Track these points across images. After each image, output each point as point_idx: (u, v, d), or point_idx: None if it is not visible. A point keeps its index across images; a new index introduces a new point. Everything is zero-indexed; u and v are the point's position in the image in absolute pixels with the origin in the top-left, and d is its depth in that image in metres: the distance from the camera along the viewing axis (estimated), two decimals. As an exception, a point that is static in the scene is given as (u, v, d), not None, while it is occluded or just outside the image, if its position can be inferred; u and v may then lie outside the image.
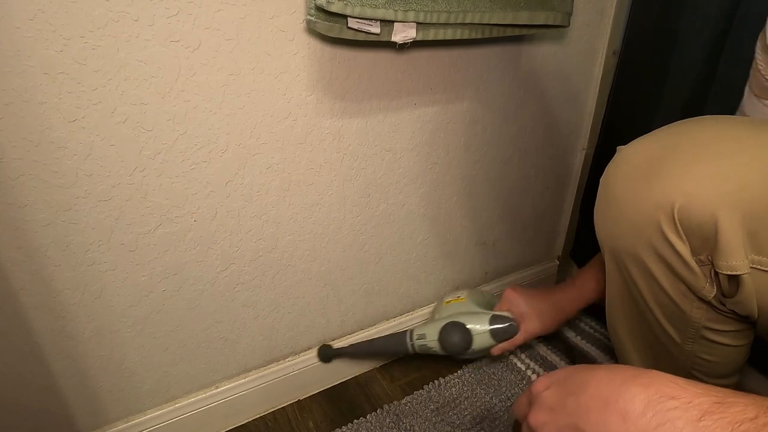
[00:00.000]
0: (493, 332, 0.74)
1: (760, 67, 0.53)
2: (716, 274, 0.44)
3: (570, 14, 0.68)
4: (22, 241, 0.50)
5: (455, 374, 0.83)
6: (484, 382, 0.81)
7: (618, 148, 0.51)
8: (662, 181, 0.44)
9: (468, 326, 0.74)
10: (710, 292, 0.45)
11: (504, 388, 0.80)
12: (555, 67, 0.82)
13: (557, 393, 0.39)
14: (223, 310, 0.66)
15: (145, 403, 0.66)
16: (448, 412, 0.76)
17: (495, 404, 0.77)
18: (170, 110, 0.52)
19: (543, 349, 0.88)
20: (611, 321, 0.59)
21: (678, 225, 0.43)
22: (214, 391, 0.70)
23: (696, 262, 0.44)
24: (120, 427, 0.65)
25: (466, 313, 0.77)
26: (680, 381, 0.33)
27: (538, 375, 0.83)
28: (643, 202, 0.45)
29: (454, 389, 0.80)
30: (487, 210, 0.87)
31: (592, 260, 0.76)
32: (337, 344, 0.79)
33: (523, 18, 0.63)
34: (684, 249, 0.44)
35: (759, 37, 0.53)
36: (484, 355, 0.81)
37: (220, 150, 0.57)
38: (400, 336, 0.78)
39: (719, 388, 0.33)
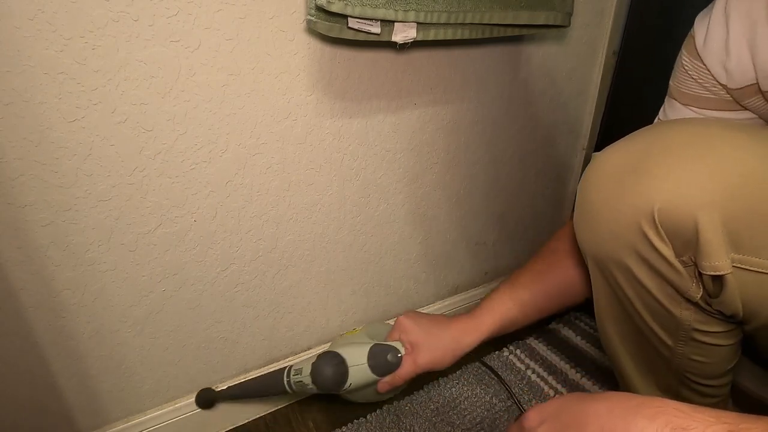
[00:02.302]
0: (371, 365, 0.63)
1: (692, 75, 0.53)
2: (701, 274, 0.44)
3: (570, 14, 0.68)
4: (22, 241, 0.50)
5: (455, 374, 0.83)
6: (484, 382, 0.81)
7: (593, 154, 0.51)
8: (639, 185, 0.43)
9: (344, 357, 0.64)
10: (697, 292, 0.45)
11: (504, 388, 0.80)
12: (555, 67, 0.82)
13: (553, 429, 0.37)
14: (223, 310, 0.66)
15: (145, 403, 0.66)
16: (448, 412, 0.76)
17: (495, 404, 0.77)
18: (170, 110, 0.52)
19: (543, 349, 0.88)
20: (602, 328, 0.58)
21: (659, 227, 0.43)
22: (214, 391, 0.70)
23: (680, 264, 0.44)
24: (120, 427, 0.65)
25: (348, 344, 0.68)
26: (687, 408, 0.32)
27: (538, 375, 0.83)
28: (622, 207, 0.45)
29: (454, 389, 0.80)
30: (487, 210, 0.87)
31: (496, 288, 0.71)
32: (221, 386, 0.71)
33: (524, 18, 0.63)
34: (667, 251, 0.44)
35: (685, 42, 0.53)
36: (383, 395, 0.69)
37: (220, 150, 0.57)
38: (277, 374, 0.68)
39: (729, 414, 0.32)
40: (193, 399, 0.69)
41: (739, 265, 0.41)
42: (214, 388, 0.70)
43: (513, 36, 0.73)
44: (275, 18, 0.54)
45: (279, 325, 0.73)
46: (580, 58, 0.84)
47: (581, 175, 0.98)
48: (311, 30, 0.56)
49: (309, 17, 0.52)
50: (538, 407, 0.41)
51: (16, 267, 0.51)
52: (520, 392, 0.80)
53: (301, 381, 0.65)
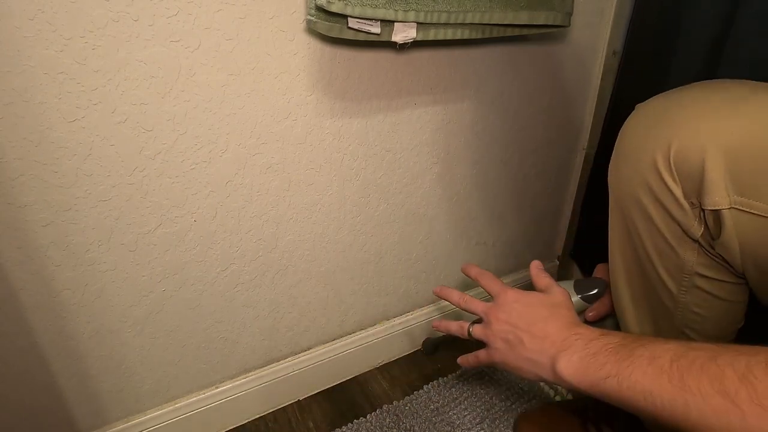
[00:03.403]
0: (579, 294, 0.72)
1: None
2: (704, 215, 0.47)
3: (570, 14, 0.68)
4: (22, 241, 0.50)
5: (455, 374, 0.83)
6: (484, 381, 0.81)
7: (637, 105, 0.55)
8: (662, 129, 0.48)
9: None
10: (698, 230, 0.49)
11: (504, 388, 0.80)
12: (555, 67, 0.82)
13: (524, 314, 0.53)
14: (223, 310, 0.66)
15: (145, 403, 0.66)
16: (448, 412, 0.76)
17: (495, 404, 0.77)
18: (170, 110, 0.52)
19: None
20: (613, 275, 0.61)
21: (672, 166, 0.47)
22: (214, 391, 0.70)
23: (688, 204, 0.48)
24: (120, 427, 0.65)
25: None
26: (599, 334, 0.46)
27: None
28: (645, 147, 0.49)
29: (454, 389, 0.80)
30: (487, 210, 0.87)
31: None
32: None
33: (524, 18, 0.63)
34: (677, 189, 0.48)
35: None
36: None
37: (220, 150, 0.57)
38: None
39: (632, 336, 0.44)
40: (194, 399, 0.69)
41: (739, 207, 0.44)
42: (431, 338, 0.89)
43: (513, 36, 0.73)
44: (275, 18, 0.54)
45: (279, 325, 0.73)
46: (580, 58, 0.84)
47: (581, 175, 0.98)
48: (311, 30, 0.56)
49: (309, 17, 0.52)
50: (521, 294, 0.56)
51: (16, 267, 0.51)
52: (520, 392, 0.80)
53: None
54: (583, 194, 0.98)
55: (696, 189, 0.46)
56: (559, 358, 0.47)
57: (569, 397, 0.79)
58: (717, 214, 0.45)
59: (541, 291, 0.59)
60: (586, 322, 0.76)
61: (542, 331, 0.50)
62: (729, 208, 0.44)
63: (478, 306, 0.60)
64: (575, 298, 0.73)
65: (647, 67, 0.79)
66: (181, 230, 0.59)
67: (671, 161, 0.47)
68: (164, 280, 0.60)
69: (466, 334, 0.61)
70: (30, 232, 0.50)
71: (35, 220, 0.50)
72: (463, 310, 0.62)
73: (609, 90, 0.88)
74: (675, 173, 0.47)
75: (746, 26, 0.65)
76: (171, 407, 0.68)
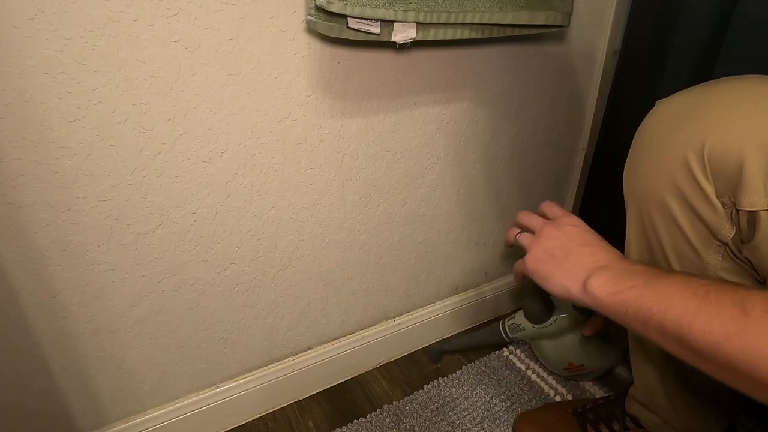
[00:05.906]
0: (578, 309, 0.73)
1: None
2: (737, 215, 0.45)
3: (570, 14, 0.68)
4: (22, 241, 0.50)
5: (455, 374, 0.83)
6: (484, 382, 0.81)
7: (657, 102, 0.52)
8: (693, 125, 0.45)
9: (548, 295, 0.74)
10: (729, 231, 0.46)
11: (504, 388, 0.80)
12: (555, 67, 0.82)
13: (579, 235, 0.53)
14: (223, 310, 0.66)
15: (145, 403, 0.66)
16: (448, 412, 0.76)
17: (495, 404, 0.77)
18: (170, 110, 0.52)
19: (543, 349, 0.88)
20: None
21: (706, 164, 0.44)
22: (214, 391, 0.70)
23: (720, 204, 0.46)
24: (120, 427, 0.65)
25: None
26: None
27: (538, 375, 0.83)
28: (673, 143, 0.47)
29: (454, 389, 0.80)
30: (487, 210, 0.87)
31: None
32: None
33: (524, 18, 0.63)
34: (709, 188, 0.45)
35: None
36: (581, 356, 0.78)
37: (220, 150, 0.57)
38: (494, 326, 0.85)
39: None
40: (194, 399, 0.69)
41: None
42: (437, 343, 0.90)
43: (513, 36, 0.73)
44: (275, 18, 0.54)
45: (279, 325, 0.73)
46: (580, 58, 0.84)
47: (581, 175, 0.98)
48: (311, 30, 0.56)
49: (309, 17, 0.52)
50: (559, 226, 0.56)
51: (16, 267, 0.51)
52: (520, 392, 0.80)
53: (515, 323, 0.81)
54: (582, 194, 0.98)
55: (731, 188, 0.44)
56: (594, 273, 0.47)
57: (569, 397, 0.79)
58: (753, 215, 0.43)
59: None
60: (583, 337, 0.76)
61: (593, 252, 0.50)
62: (766, 210, 0.42)
63: (538, 221, 0.62)
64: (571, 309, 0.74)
65: (644, 68, 0.79)
66: (181, 230, 0.59)
67: (705, 159, 0.44)
68: (164, 280, 0.60)
69: (512, 239, 0.65)
70: (30, 232, 0.50)
71: (35, 220, 0.50)
72: (523, 225, 0.65)
73: (609, 90, 0.88)
74: (708, 171, 0.44)
75: (744, 25, 0.65)
76: (171, 407, 0.68)
